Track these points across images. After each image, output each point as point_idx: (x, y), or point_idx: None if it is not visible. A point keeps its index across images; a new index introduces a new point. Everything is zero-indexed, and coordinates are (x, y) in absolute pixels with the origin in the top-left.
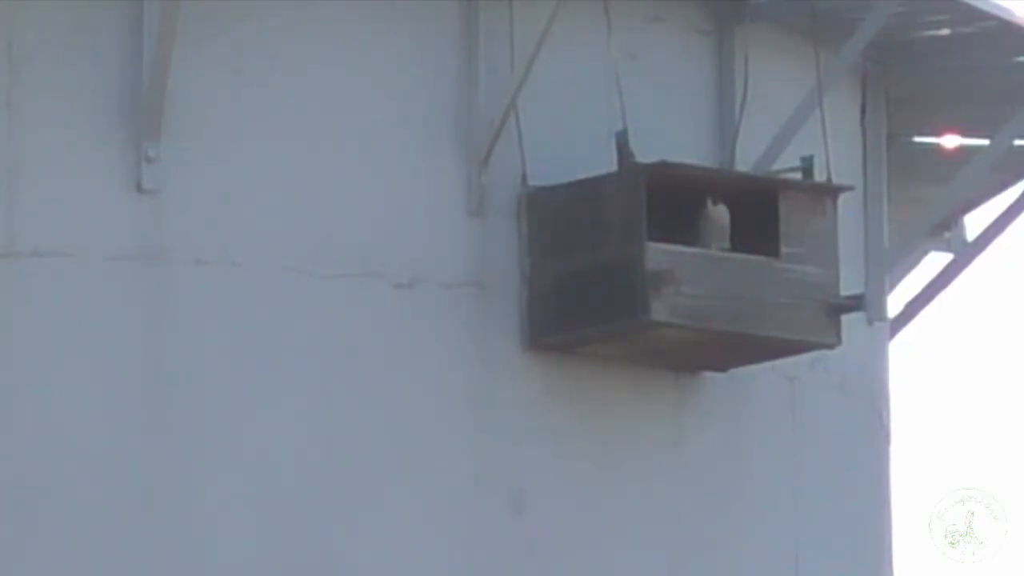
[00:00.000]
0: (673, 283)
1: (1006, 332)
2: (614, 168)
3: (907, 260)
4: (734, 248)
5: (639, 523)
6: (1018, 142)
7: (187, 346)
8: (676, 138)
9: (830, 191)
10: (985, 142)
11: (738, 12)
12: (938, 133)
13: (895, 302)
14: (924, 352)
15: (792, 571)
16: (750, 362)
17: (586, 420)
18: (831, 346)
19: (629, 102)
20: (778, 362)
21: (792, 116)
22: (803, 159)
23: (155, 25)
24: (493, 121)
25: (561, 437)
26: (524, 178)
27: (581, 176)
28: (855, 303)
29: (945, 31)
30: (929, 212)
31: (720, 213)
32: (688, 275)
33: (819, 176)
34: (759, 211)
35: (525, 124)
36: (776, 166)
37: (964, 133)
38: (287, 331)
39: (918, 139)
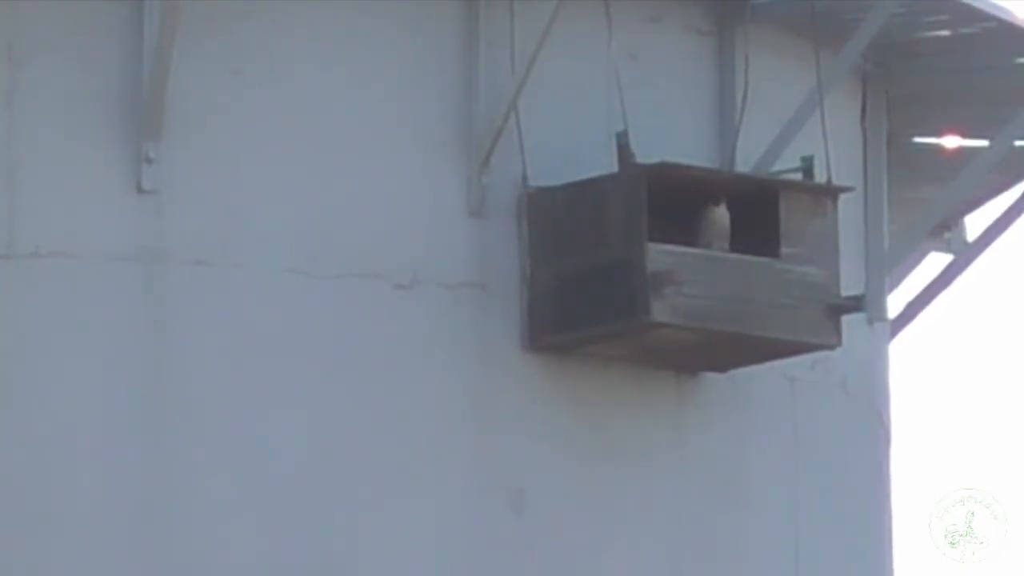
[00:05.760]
0: (673, 284)
1: (1006, 332)
2: (614, 168)
3: (907, 261)
4: (734, 249)
5: (639, 523)
6: (1018, 143)
7: (187, 346)
8: (676, 138)
9: (830, 192)
10: (985, 143)
11: (738, 12)
12: (938, 134)
13: (895, 303)
14: (924, 352)
15: (792, 571)
16: (750, 363)
17: (586, 420)
18: (831, 347)
19: (629, 102)
20: (778, 362)
21: (792, 116)
22: (803, 159)
23: (155, 25)
24: (493, 121)
25: (561, 437)
26: (524, 179)
27: (581, 176)
28: (855, 304)
29: (945, 32)
30: (929, 213)
31: (720, 214)
32: (688, 276)
33: (819, 177)
34: (759, 211)
35: (525, 124)
36: (776, 166)
37: (964, 134)
38: (287, 331)
39: (918, 140)
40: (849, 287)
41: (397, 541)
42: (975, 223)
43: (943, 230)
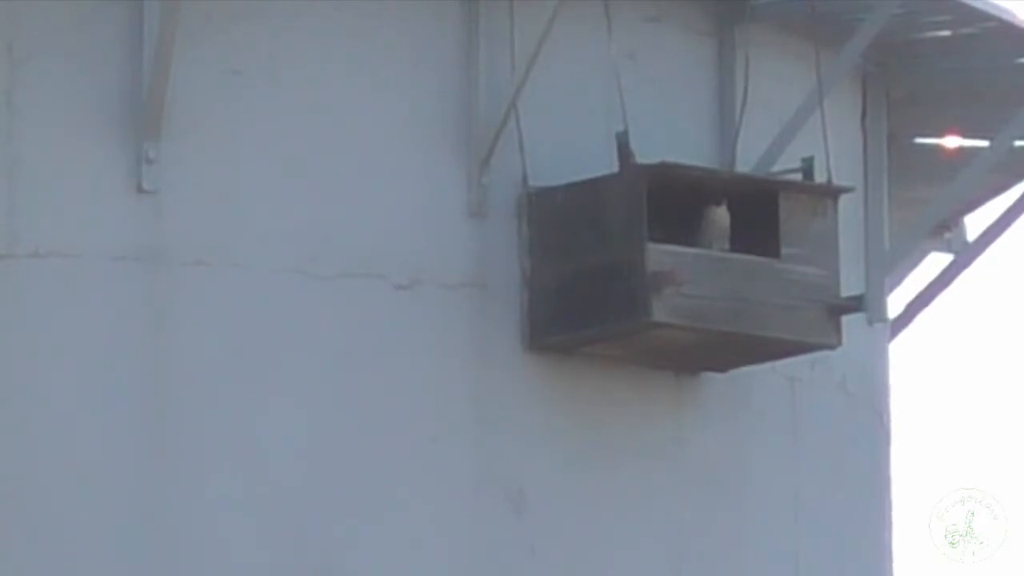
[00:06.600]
0: (674, 284)
1: (1006, 332)
2: (614, 169)
3: (907, 261)
4: (734, 249)
5: (639, 523)
6: (1019, 143)
7: (187, 346)
8: (676, 138)
9: (830, 192)
10: (986, 143)
11: (738, 12)
12: (939, 134)
13: (895, 303)
14: (924, 352)
15: (792, 571)
16: (751, 363)
17: (586, 420)
18: (832, 347)
19: (629, 102)
20: (778, 363)
21: (792, 117)
22: (803, 160)
23: (155, 25)
24: (493, 121)
25: (561, 437)
26: (524, 179)
27: (581, 176)
28: (855, 304)
29: (946, 32)
30: (930, 213)
31: (720, 214)
32: (689, 276)
33: (819, 177)
34: (759, 212)
35: (525, 124)
36: (776, 167)
37: (965, 134)
38: (287, 331)
39: (919, 140)
40: (849, 287)
41: (396, 540)
42: (975, 223)
43: (943, 230)
